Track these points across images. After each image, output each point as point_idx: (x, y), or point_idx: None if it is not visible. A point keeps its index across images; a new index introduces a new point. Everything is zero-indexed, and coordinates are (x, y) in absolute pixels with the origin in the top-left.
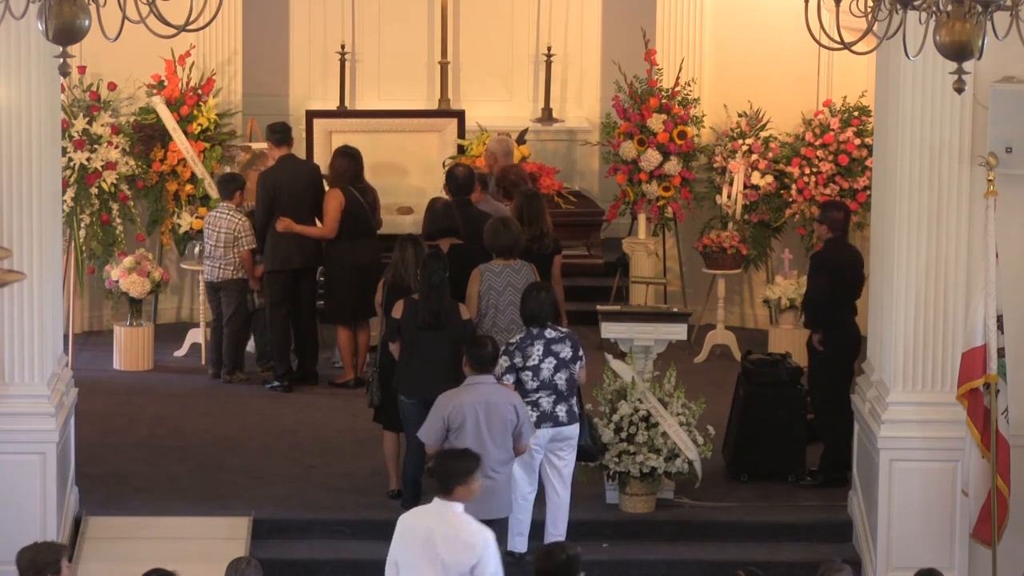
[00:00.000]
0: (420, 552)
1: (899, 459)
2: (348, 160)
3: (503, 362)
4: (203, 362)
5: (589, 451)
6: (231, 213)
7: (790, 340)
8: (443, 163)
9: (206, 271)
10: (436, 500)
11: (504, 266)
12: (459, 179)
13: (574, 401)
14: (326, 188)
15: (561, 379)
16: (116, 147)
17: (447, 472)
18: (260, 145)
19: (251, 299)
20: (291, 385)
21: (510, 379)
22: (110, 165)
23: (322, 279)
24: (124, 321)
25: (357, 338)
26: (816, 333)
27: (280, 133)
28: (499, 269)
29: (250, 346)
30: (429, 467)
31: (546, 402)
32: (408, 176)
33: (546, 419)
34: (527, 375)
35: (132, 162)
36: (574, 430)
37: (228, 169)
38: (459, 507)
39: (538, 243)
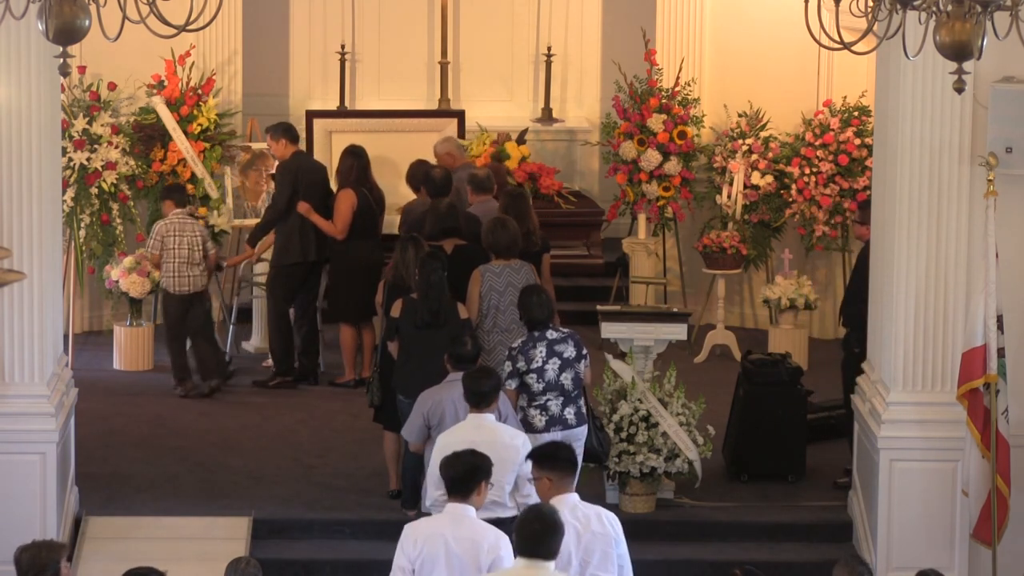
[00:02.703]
0: None
1: (899, 459)
2: (353, 159)
3: (506, 367)
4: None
5: (596, 454)
6: (192, 218)
7: (790, 340)
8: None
9: (183, 281)
10: (471, 416)
11: (504, 266)
12: (436, 181)
13: (582, 402)
14: (332, 188)
15: (567, 379)
16: (116, 147)
17: (482, 391)
18: (260, 145)
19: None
20: (295, 382)
21: (513, 384)
22: (110, 165)
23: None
24: (124, 321)
25: (361, 338)
26: (853, 335)
27: (293, 131)
28: (499, 269)
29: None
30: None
31: (554, 405)
32: None
33: (555, 423)
34: (532, 377)
35: (132, 162)
36: (583, 432)
37: (228, 169)
38: (492, 417)
39: (526, 241)
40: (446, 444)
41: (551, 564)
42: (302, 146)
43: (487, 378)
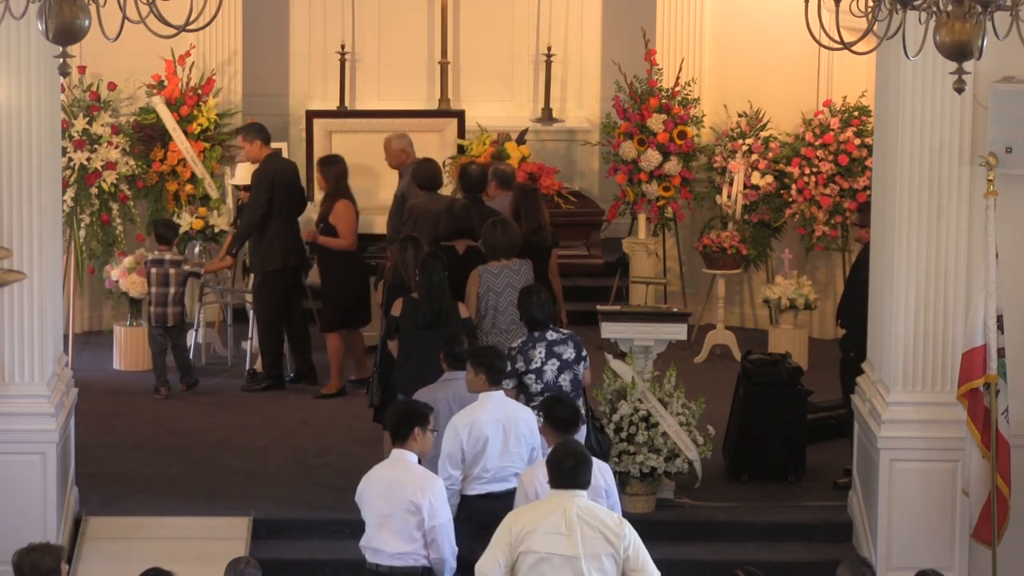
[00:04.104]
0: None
1: (899, 459)
2: (339, 167)
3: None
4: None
5: (596, 455)
6: (172, 256)
7: (790, 340)
8: (443, 163)
9: (159, 316)
10: (486, 395)
11: (503, 267)
12: (472, 176)
13: (579, 404)
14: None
15: (565, 380)
16: (116, 147)
17: (503, 369)
18: None
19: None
20: (292, 382)
21: (511, 384)
22: (110, 165)
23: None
24: (124, 321)
25: (350, 341)
26: (849, 339)
27: (266, 131)
28: (497, 270)
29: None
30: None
31: None
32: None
33: None
34: (531, 378)
35: (132, 162)
36: (580, 433)
37: (228, 169)
38: (502, 394)
39: (537, 236)
40: (463, 424)
41: (584, 493)
42: (301, 146)
43: (505, 358)
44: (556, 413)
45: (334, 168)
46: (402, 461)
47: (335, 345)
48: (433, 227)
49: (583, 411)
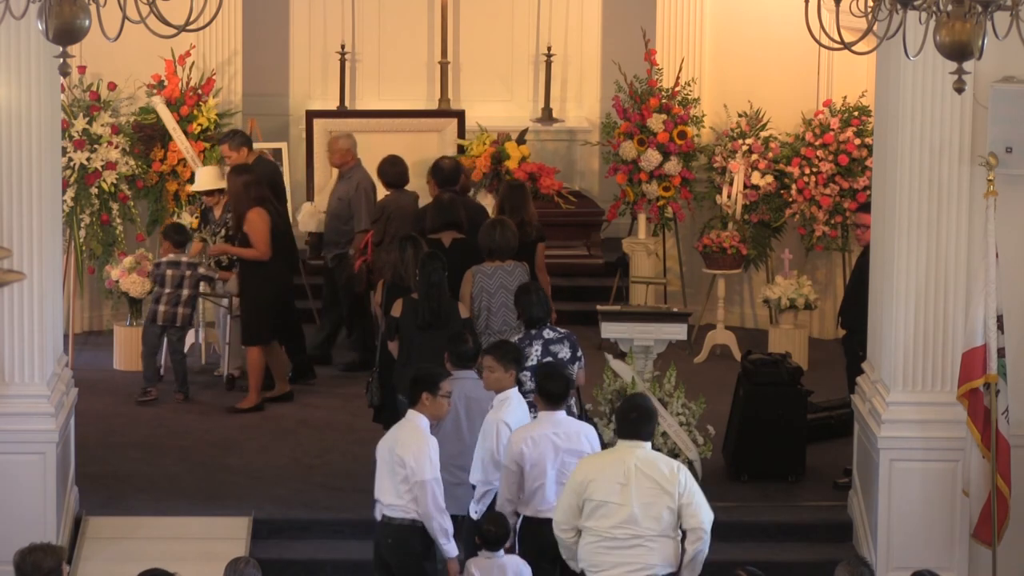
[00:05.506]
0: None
1: (899, 459)
2: (247, 176)
3: None
4: (204, 362)
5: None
6: (188, 259)
7: (790, 340)
8: None
9: (168, 315)
10: (508, 392)
11: (496, 268)
12: (445, 170)
13: (572, 402)
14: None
15: None
16: (116, 147)
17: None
18: (261, 145)
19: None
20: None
21: None
22: (110, 165)
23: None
24: (124, 321)
25: (270, 357)
26: (855, 339)
27: (248, 137)
28: (491, 271)
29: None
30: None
31: None
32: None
33: None
34: (525, 376)
35: (132, 162)
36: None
37: (226, 170)
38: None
39: (519, 232)
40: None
41: (647, 444)
42: (301, 147)
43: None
44: (547, 387)
45: (236, 181)
46: (410, 422)
47: (256, 357)
48: (414, 223)
49: (574, 411)
